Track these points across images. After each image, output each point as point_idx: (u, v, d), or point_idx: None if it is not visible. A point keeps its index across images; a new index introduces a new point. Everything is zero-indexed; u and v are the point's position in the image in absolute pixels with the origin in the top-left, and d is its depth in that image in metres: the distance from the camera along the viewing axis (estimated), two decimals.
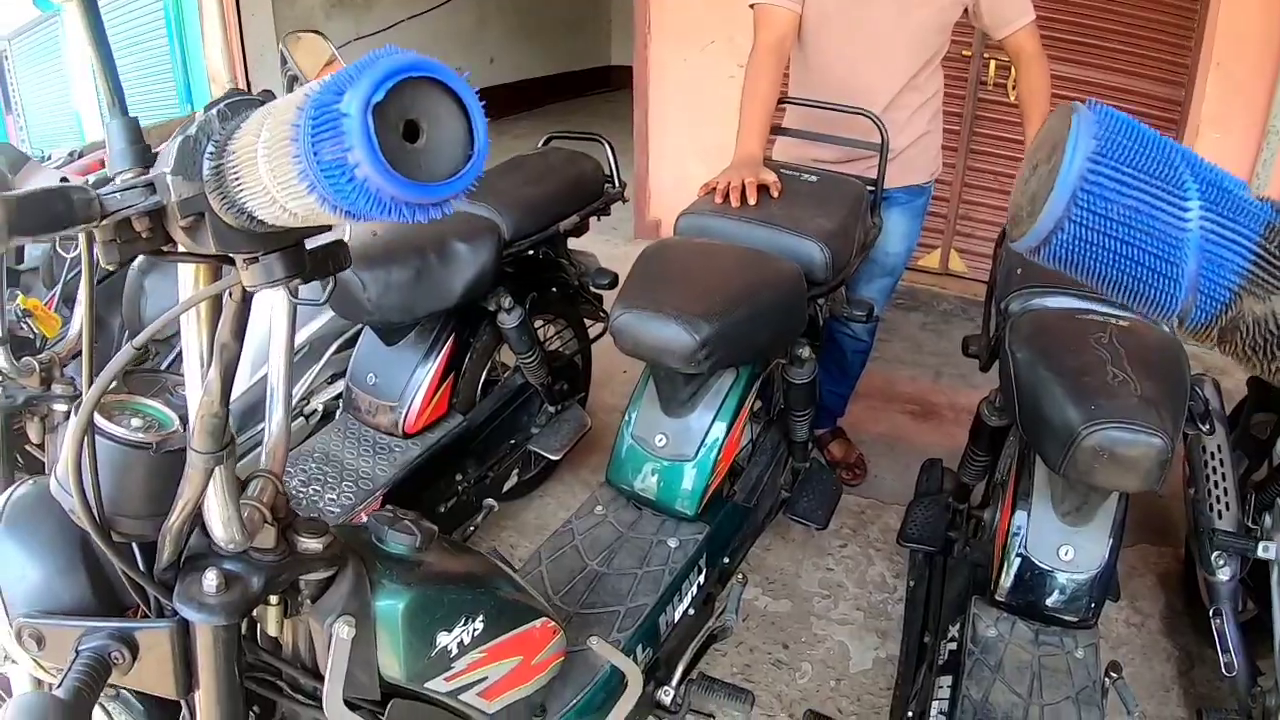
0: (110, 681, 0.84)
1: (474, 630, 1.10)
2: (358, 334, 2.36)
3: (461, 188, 0.61)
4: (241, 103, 0.68)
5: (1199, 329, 0.40)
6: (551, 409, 2.52)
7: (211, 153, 0.65)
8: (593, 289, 2.48)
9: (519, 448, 2.48)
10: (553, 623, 1.29)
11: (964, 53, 3.73)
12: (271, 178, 0.60)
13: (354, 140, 0.54)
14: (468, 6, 7.39)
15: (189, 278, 0.80)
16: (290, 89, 1.70)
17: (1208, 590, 1.93)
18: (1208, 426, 2.08)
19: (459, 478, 2.28)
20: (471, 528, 2.27)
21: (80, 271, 1.94)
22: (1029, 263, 1.99)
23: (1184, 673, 2.23)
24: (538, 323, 2.48)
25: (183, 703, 0.93)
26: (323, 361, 2.51)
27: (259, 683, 0.99)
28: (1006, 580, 1.68)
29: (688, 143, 4.33)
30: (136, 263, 2.21)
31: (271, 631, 0.97)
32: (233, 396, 0.83)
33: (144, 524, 0.86)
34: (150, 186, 0.68)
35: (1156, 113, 3.69)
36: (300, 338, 2.46)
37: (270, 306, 0.91)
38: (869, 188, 2.20)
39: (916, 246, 2.61)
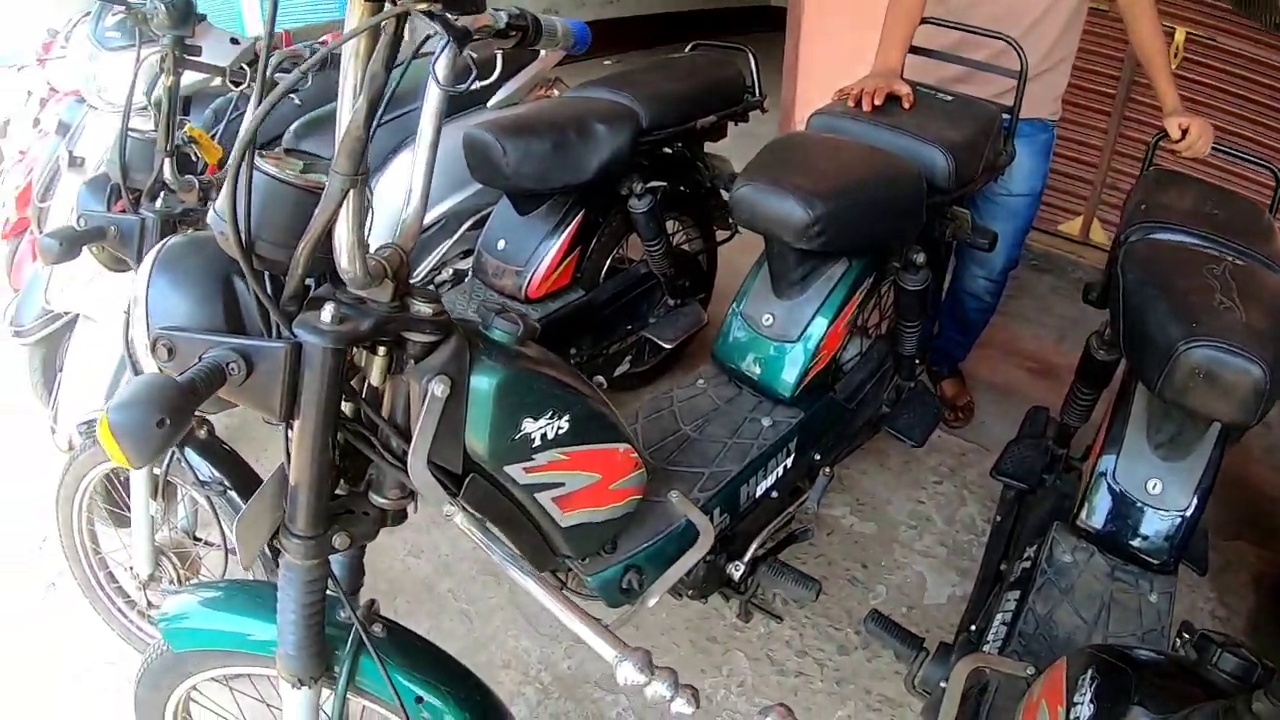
0: (222, 394, 0.90)
1: (559, 428, 1.14)
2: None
3: None
4: None
5: None
6: (671, 302, 2.55)
7: None
8: (724, 193, 2.48)
9: (634, 333, 2.52)
10: (635, 453, 1.31)
11: None
12: None
13: None
14: None
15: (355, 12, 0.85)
16: None
17: None
18: None
19: (574, 352, 2.34)
20: None
21: (242, 112, 2.05)
22: (1153, 199, 1.90)
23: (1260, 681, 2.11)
24: (668, 217, 2.49)
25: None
26: (456, 236, 2.60)
27: (356, 436, 1.05)
28: (1090, 508, 1.64)
29: (838, 66, 4.23)
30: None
31: (374, 381, 1.02)
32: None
33: (280, 250, 0.94)
34: None
35: None
36: (436, 213, 2.56)
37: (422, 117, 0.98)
38: (1004, 114, 2.12)
39: (1042, 194, 2.52)
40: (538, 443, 1.12)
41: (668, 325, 2.46)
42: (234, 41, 2.74)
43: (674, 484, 1.58)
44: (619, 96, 2.26)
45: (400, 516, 1.14)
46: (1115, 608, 1.57)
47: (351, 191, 0.87)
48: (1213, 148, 2.16)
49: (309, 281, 0.96)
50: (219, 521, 1.71)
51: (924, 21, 2.16)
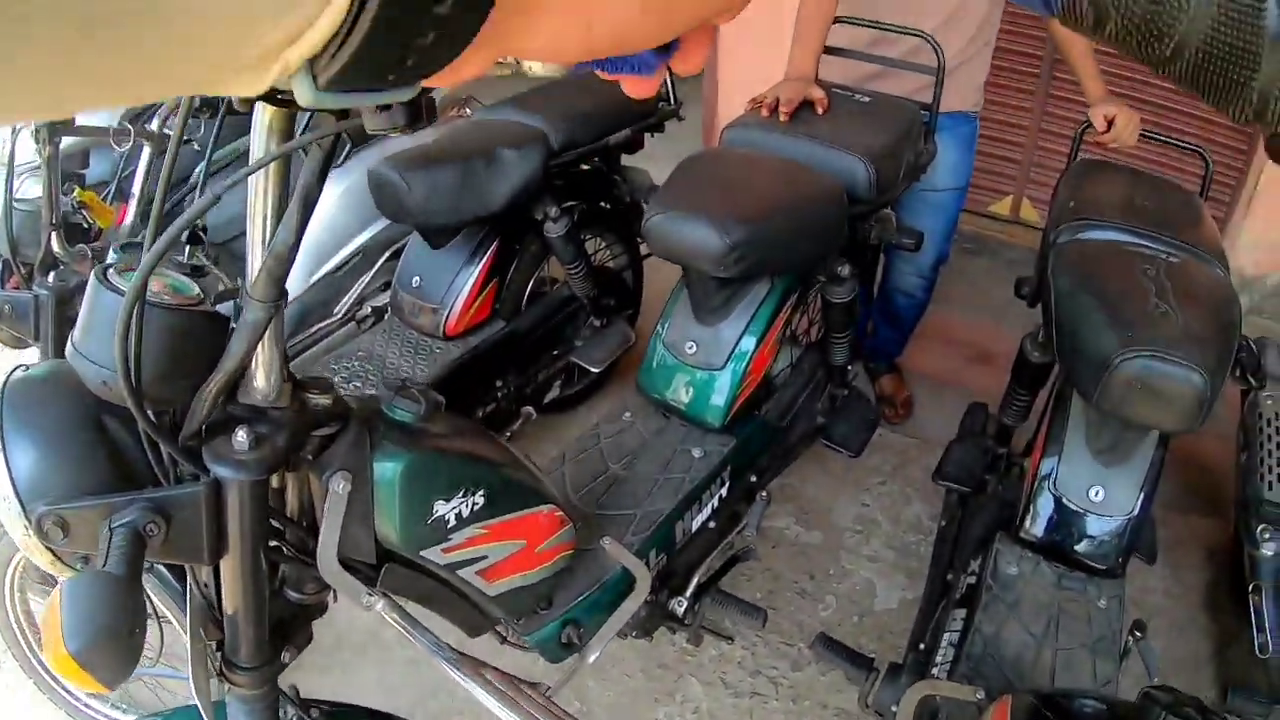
0: (148, 556, 0.85)
1: (474, 504, 1.11)
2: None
3: None
4: None
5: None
6: (596, 322, 2.53)
7: None
8: (644, 206, 2.47)
9: (561, 359, 2.50)
10: (560, 512, 1.30)
11: None
12: None
13: None
14: None
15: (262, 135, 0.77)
16: None
17: (1250, 565, 1.88)
18: (1258, 382, 2.00)
19: (499, 384, 2.31)
20: (508, 434, 2.30)
21: (134, 169, 1.99)
22: (1082, 195, 1.93)
23: (1219, 651, 2.17)
24: (586, 236, 2.47)
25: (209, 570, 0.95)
26: (374, 269, 2.56)
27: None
28: (1033, 517, 1.66)
29: (759, 61, 4.23)
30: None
31: (273, 483, 0.99)
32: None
33: (166, 385, 0.85)
34: None
35: None
36: (351, 248, 2.51)
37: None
38: (923, 111, 2.13)
39: (969, 186, 2.54)
40: (453, 523, 1.09)
41: (595, 347, 2.45)
42: None
43: (606, 529, 1.56)
44: (528, 118, 2.23)
45: (321, 609, 1.11)
46: (1064, 618, 1.60)
47: (274, 319, 0.82)
48: (1141, 134, 2.20)
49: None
50: (149, 598, 1.66)
51: (837, 20, 2.16)
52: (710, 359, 1.78)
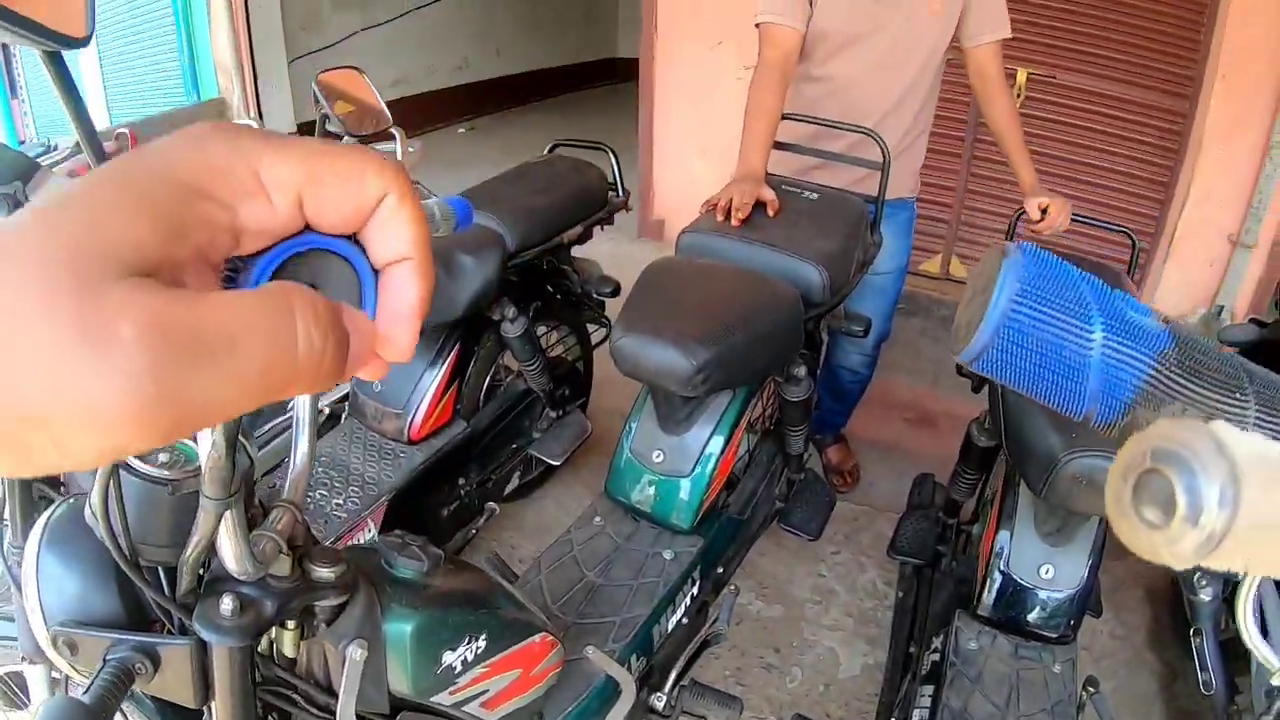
0: (134, 688, 0.93)
1: (477, 649, 1.18)
2: None
3: None
4: None
5: (1103, 428, 0.47)
6: (553, 414, 2.60)
7: None
8: (595, 295, 2.55)
9: (520, 452, 2.56)
10: (550, 636, 1.37)
11: None
12: None
13: None
14: None
15: None
16: (322, 126, 1.79)
17: (1190, 608, 2.00)
18: None
19: (462, 482, 2.36)
20: (474, 530, 2.35)
21: None
22: None
23: (1166, 687, 2.31)
24: (540, 329, 2.55)
25: (204, 709, 1.01)
26: None
27: (276, 695, 1.08)
28: (988, 596, 1.77)
29: (693, 142, 4.39)
30: None
31: (288, 653, 1.05)
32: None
33: (166, 551, 0.95)
34: None
35: (1161, 124, 3.78)
36: None
37: None
38: (869, 205, 2.26)
39: (907, 266, 2.69)
40: (459, 669, 1.16)
41: (553, 441, 2.52)
42: None
43: (588, 637, 1.63)
44: (483, 219, 2.29)
45: None
46: (1023, 686, 1.71)
47: (229, 511, 0.88)
48: (1072, 218, 2.35)
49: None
50: None
51: (784, 117, 2.29)
52: (677, 466, 1.86)
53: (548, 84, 8.21)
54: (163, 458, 0.96)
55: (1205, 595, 1.91)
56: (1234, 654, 1.94)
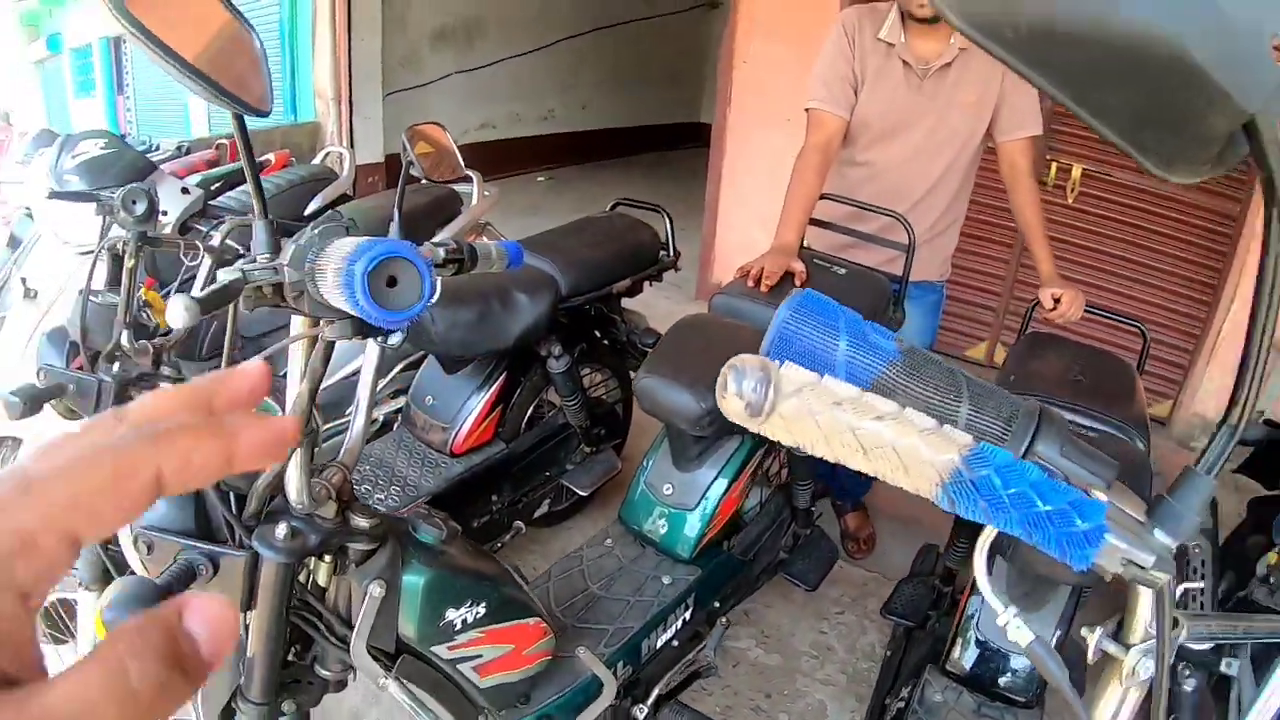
0: (192, 587, 1.19)
1: (476, 613, 1.43)
2: (422, 357, 2.73)
3: (413, 315, 1.00)
4: (331, 229, 1.05)
5: None
6: (588, 449, 2.86)
7: (311, 259, 1.02)
8: (640, 345, 2.81)
9: (552, 480, 2.81)
10: (544, 624, 1.61)
11: None
12: (332, 288, 0.96)
13: (356, 287, 0.92)
14: (566, 52, 7.87)
15: (298, 323, 1.15)
16: (408, 173, 2.10)
17: (1171, 699, 2.11)
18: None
19: (494, 498, 2.62)
20: (500, 545, 2.60)
21: (192, 275, 2.33)
22: (1023, 367, 2.24)
23: None
24: (585, 370, 2.81)
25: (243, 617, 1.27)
26: (389, 378, 2.89)
27: (305, 621, 1.34)
28: (957, 653, 1.94)
29: (755, 212, 4.65)
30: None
31: (321, 582, 1.31)
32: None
33: (241, 481, 1.23)
34: (275, 270, 1.05)
35: (1211, 225, 3.94)
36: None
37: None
38: (894, 284, 2.50)
39: (933, 346, 2.90)
40: (459, 627, 1.41)
41: (584, 473, 2.77)
42: (184, 191, 3.04)
43: (582, 640, 1.86)
44: (541, 263, 2.58)
45: (341, 685, 1.42)
46: None
47: (298, 449, 1.16)
48: (1086, 310, 2.52)
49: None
50: None
51: (822, 197, 2.54)
52: (684, 500, 2.09)
53: (630, 142, 8.56)
54: None
55: (1188, 686, 2.01)
56: None
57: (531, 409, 2.75)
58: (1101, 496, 0.64)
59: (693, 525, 2.09)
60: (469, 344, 2.39)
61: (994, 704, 1.91)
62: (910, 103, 2.53)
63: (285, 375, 1.21)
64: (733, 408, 0.62)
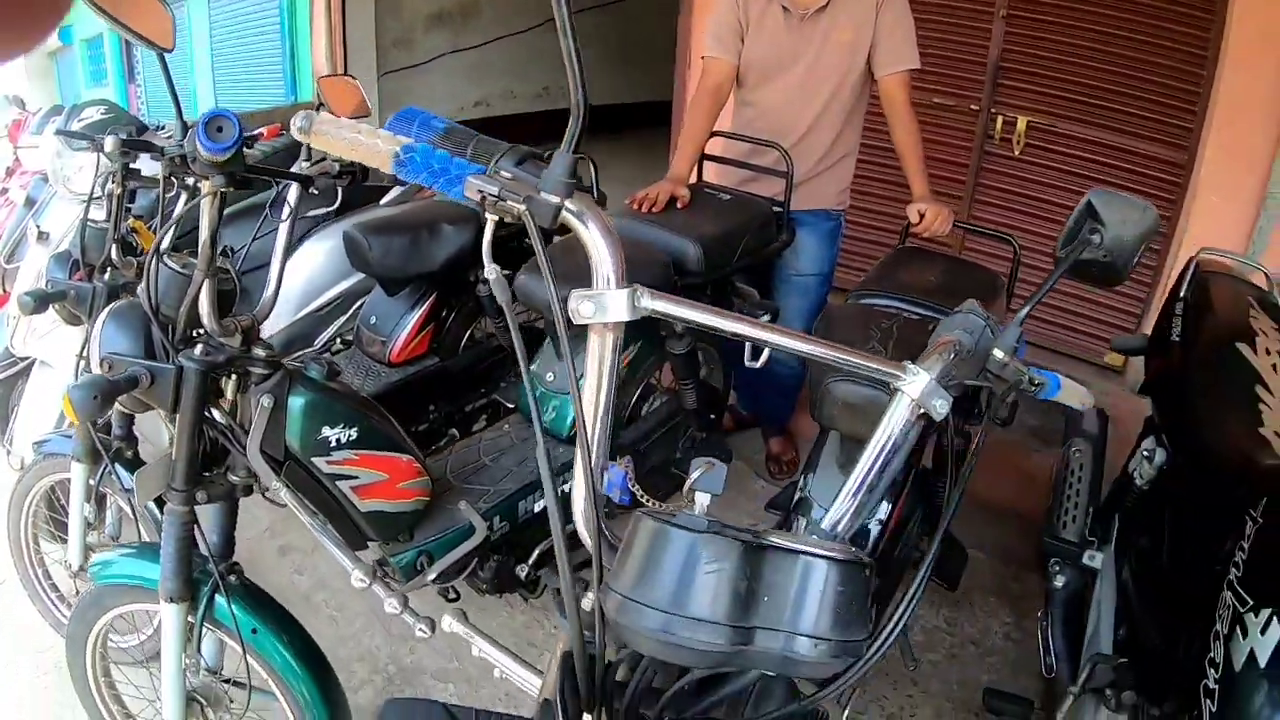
0: (135, 393, 1.66)
1: (349, 435, 1.89)
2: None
3: (228, 146, 1.51)
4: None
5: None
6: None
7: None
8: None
9: (488, 397, 3.24)
10: (417, 464, 2.06)
11: (971, 107, 4.39)
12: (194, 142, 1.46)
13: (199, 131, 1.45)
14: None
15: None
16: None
17: (1045, 597, 2.13)
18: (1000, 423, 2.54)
19: (432, 408, 3.06)
20: (433, 448, 3.06)
21: (172, 201, 2.80)
22: (885, 272, 2.56)
23: (1048, 688, 2.48)
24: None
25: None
26: (350, 313, 3.37)
27: (219, 433, 1.81)
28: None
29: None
30: None
31: (229, 395, 1.79)
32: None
33: (176, 313, 1.69)
34: (181, 145, 1.55)
35: (1159, 174, 4.02)
36: (333, 293, 3.33)
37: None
38: (776, 208, 2.92)
39: (832, 275, 3.31)
40: (334, 444, 1.87)
41: (512, 389, 3.22)
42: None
43: (465, 497, 2.27)
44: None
45: (248, 490, 1.88)
46: None
47: (206, 281, 1.64)
48: (955, 224, 2.89)
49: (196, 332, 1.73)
50: (136, 522, 2.42)
51: (716, 134, 2.98)
52: (563, 385, 2.52)
53: (625, 117, 8.71)
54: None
55: (1057, 582, 2.13)
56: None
57: (467, 334, 3.19)
58: (505, 174, 1.13)
59: (571, 411, 2.51)
60: (401, 267, 2.84)
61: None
62: (789, 44, 2.93)
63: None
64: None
